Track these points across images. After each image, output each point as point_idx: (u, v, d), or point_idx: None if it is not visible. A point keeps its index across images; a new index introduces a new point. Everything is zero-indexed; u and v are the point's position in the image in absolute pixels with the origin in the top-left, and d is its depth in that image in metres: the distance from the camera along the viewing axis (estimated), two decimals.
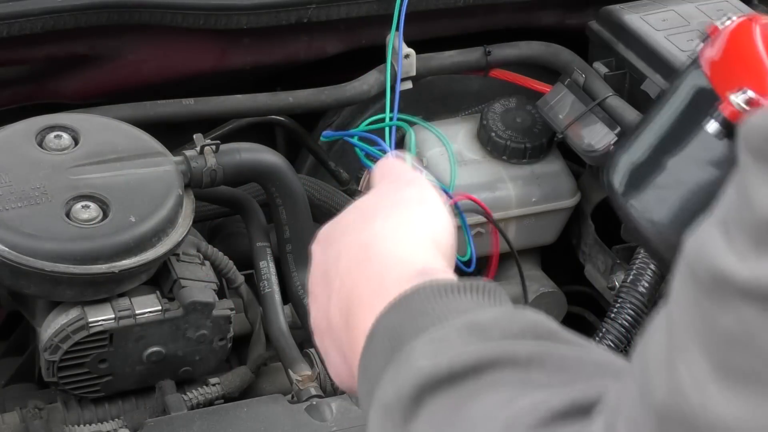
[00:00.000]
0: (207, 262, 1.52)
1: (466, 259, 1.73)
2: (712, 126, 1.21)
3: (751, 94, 1.18)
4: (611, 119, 1.75)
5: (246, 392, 1.52)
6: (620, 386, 0.64)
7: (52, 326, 1.42)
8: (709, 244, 0.58)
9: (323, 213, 1.71)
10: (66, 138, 1.51)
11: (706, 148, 1.22)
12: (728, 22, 1.31)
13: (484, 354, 0.72)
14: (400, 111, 1.90)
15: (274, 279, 1.60)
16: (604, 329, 1.70)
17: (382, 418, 0.75)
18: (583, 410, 0.66)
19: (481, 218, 1.79)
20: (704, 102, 1.25)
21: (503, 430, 0.67)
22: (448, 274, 0.84)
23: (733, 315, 0.56)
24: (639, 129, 1.34)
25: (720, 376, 0.56)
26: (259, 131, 1.87)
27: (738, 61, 1.24)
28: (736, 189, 0.58)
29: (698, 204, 1.11)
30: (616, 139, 1.73)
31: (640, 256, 1.69)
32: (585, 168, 1.87)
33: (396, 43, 1.81)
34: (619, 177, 1.32)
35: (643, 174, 1.32)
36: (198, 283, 1.47)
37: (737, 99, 1.19)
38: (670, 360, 0.59)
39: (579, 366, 0.71)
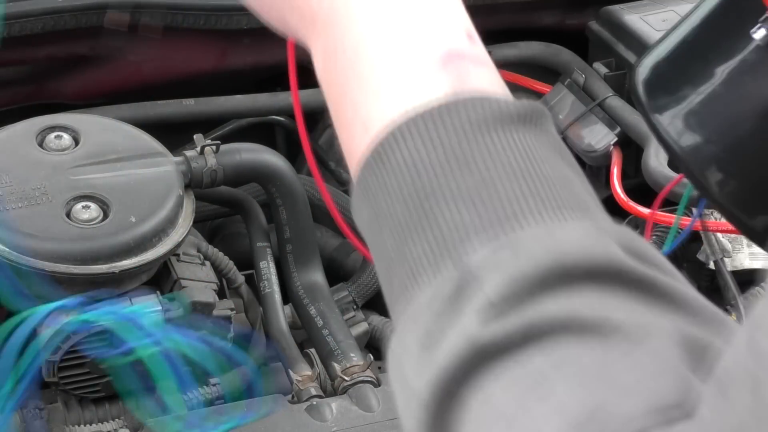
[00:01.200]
0: (207, 263, 1.52)
1: None
2: (760, 33, 1.09)
3: None
4: (611, 119, 1.75)
5: (246, 392, 1.52)
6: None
7: (53, 326, 1.42)
8: None
9: (323, 213, 1.71)
10: (66, 138, 1.51)
11: (752, 59, 1.13)
12: None
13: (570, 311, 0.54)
14: None
15: (274, 279, 1.60)
16: None
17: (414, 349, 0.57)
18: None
19: None
20: (750, 7, 1.13)
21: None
22: (484, 63, 0.65)
23: None
24: (669, 35, 1.23)
25: None
26: (259, 131, 1.88)
27: None
28: None
29: (738, 120, 1.03)
30: (616, 139, 1.73)
31: None
32: (585, 168, 1.87)
33: None
34: (645, 86, 1.23)
35: (672, 86, 1.24)
36: (198, 283, 1.47)
37: None
38: None
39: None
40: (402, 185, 0.59)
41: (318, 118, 1.95)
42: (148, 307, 1.40)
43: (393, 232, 0.59)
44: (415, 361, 0.56)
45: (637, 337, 0.54)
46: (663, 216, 1.58)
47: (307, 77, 2.14)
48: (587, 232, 0.57)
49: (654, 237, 1.62)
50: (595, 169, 1.82)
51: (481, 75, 0.64)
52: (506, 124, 0.60)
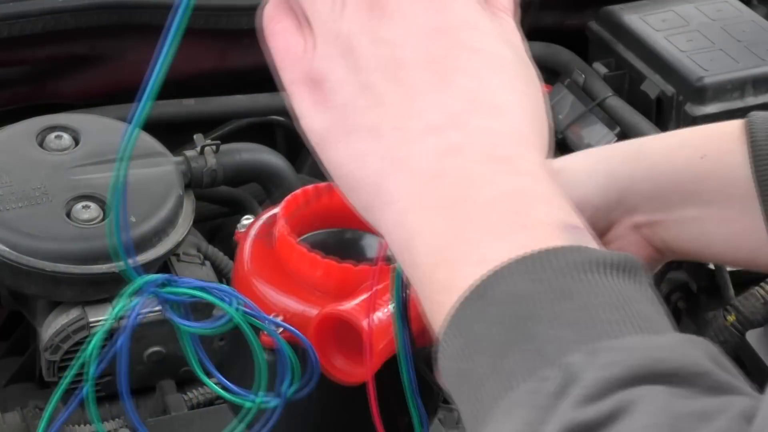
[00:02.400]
0: (207, 262, 1.53)
1: None
2: None
3: None
4: (611, 119, 1.75)
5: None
6: None
7: (53, 326, 1.42)
8: None
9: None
10: (66, 138, 1.51)
11: None
12: None
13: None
14: None
15: None
16: None
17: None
18: None
19: None
20: None
21: None
22: (566, 210, 0.67)
23: None
24: None
25: None
26: (259, 131, 1.88)
27: None
28: None
29: None
30: (616, 139, 1.73)
31: None
32: None
33: None
34: None
35: None
36: None
37: None
38: None
39: None
40: (502, 312, 0.62)
41: None
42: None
43: (486, 352, 0.62)
44: None
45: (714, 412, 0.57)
46: None
47: None
48: (680, 339, 0.61)
49: None
50: None
51: (590, 240, 0.67)
52: (605, 268, 0.63)
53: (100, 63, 1.77)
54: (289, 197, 1.07)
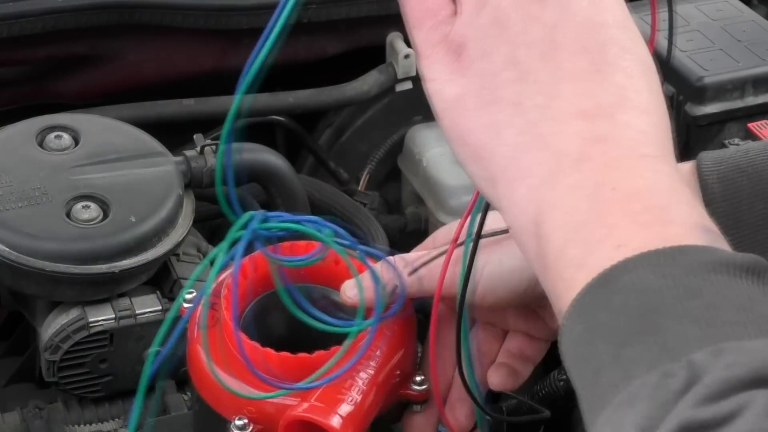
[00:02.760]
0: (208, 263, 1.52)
1: None
2: None
3: None
4: None
5: None
6: None
7: (53, 326, 1.42)
8: None
9: (323, 213, 1.71)
10: (66, 138, 1.51)
11: None
12: None
13: None
14: (400, 111, 1.90)
15: None
16: None
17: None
18: None
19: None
20: None
21: None
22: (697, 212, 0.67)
23: None
24: None
25: None
26: (259, 131, 1.88)
27: None
28: None
29: None
30: None
31: None
32: None
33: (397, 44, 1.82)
34: None
35: None
36: (198, 283, 1.46)
37: None
38: None
39: None
40: (627, 302, 0.63)
41: (318, 118, 1.95)
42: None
43: (608, 340, 0.63)
44: None
45: None
46: None
47: (312, 75, 2.14)
48: None
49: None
50: None
51: (724, 244, 0.67)
52: (734, 270, 0.63)
53: (100, 63, 1.77)
54: (225, 282, 1.08)
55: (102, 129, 1.55)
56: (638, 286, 0.63)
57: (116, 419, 1.46)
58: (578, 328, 0.64)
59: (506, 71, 0.70)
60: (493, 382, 1.06)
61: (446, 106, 0.72)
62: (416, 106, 1.92)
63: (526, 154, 0.68)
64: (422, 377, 1.07)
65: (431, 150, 1.84)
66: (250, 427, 1.01)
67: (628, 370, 0.61)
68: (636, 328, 0.62)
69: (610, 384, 0.62)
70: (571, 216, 0.66)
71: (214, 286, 1.07)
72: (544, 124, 0.68)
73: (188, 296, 1.12)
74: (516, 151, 0.69)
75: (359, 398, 0.99)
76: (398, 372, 1.05)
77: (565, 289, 0.65)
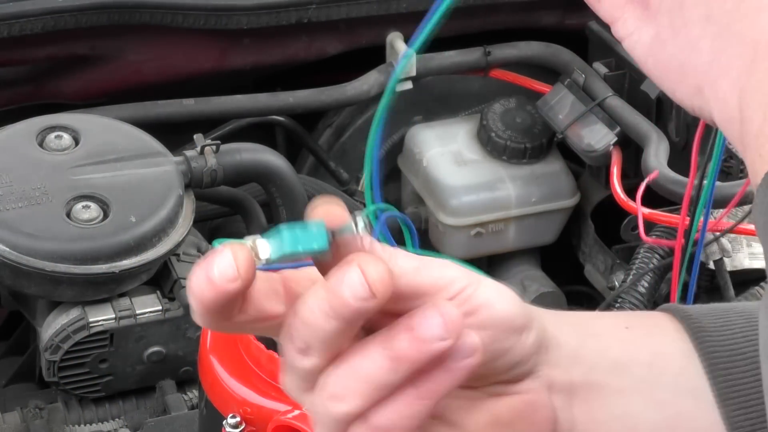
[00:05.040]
0: None
1: None
2: None
3: None
4: (611, 119, 1.75)
5: None
6: None
7: (53, 326, 1.42)
8: None
9: None
10: (66, 138, 1.51)
11: None
12: None
13: None
14: (399, 112, 1.90)
15: None
16: None
17: None
18: None
19: (482, 218, 1.79)
20: None
21: None
22: None
23: None
24: None
25: None
26: (259, 131, 1.88)
27: None
28: None
29: None
30: (616, 139, 1.73)
31: (639, 256, 1.69)
32: (585, 168, 1.87)
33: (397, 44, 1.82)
34: None
35: None
36: None
37: None
38: None
39: None
40: None
41: (318, 118, 1.95)
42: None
43: None
44: None
45: None
46: (662, 216, 1.58)
47: (312, 75, 2.13)
48: None
49: (653, 236, 1.62)
50: (595, 169, 1.82)
51: None
52: None
53: (100, 63, 1.77)
54: None
55: (102, 129, 1.55)
56: None
57: (116, 419, 1.46)
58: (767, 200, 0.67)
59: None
60: None
61: (646, 49, 0.77)
62: (416, 106, 1.92)
63: (724, 53, 0.73)
64: None
65: (431, 150, 1.84)
66: (242, 426, 1.01)
67: None
68: None
69: None
70: None
71: None
72: (736, 24, 0.73)
73: None
74: (715, 54, 0.73)
75: None
76: None
77: (761, 164, 0.68)
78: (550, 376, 0.76)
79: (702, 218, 1.50)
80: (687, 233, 1.50)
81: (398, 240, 0.89)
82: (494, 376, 0.75)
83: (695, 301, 1.67)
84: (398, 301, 0.70)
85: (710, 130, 1.49)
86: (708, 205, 1.46)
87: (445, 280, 0.73)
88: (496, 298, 0.75)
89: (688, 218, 1.53)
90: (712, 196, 1.37)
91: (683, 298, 1.67)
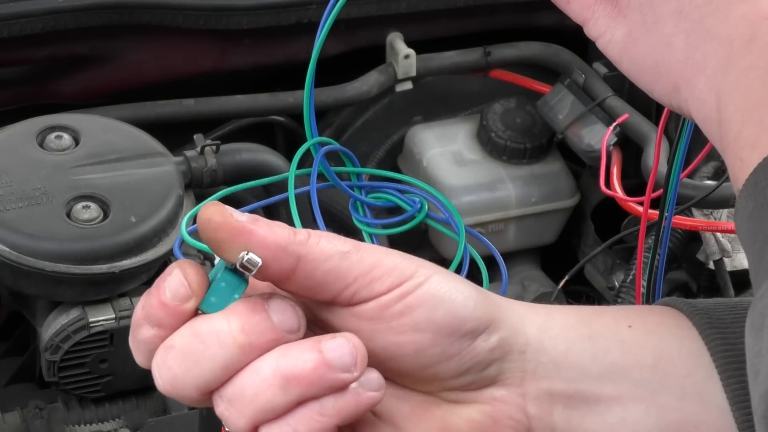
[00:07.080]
0: (207, 263, 1.53)
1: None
2: None
3: None
4: (611, 119, 1.76)
5: None
6: None
7: (53, 326, 1.42)
8: None
9: (323, 213, 1.71)
10: (66, 138, 1.51)
11: None
12: None
13: None
14: (400, 111, 1.90)
15: None
16: None
17: None
18: None
19: (482, 218, 1.79)
20: None
21: None
22: None
23: None
24: None
25: None
26: (259, 131, 1.88)
27: None
28: None
29: None
30: (616, 139, 1.73)
31: None
32: (585, 168, 1.87)
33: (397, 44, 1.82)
34: None
35: None
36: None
37: None
38: None
39: None
40: None
41: (318, 118, 1.95)
42: None
43: None
44: None
45: None
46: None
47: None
48: None
49: (653, 237, 1.62)
50: (595, 169, 1.82)
51: None
52: None
53: (100, 63, 1.77)
54: None
55: (102, 129, 1.55)
56: None
57: (116, 419, 1.46)
58: (749, 205, 0.65)
59: None
60: None
61: (620, 48, 0.75)
62: (416, 106, 1.92)
63: (698, 49, 0.71)
64: None
65: (431, 150, 1.84)
66: None
67: None
68: None
69: None
70: (748, 97, 0.68)
71: None
72: (708, 19, 0.71)
73: None
74: (688, 51, 0.71)
75: None
76: None
77: (741, 169, 0.66)
78: (524, 384, 0.71)
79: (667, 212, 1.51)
80: (653, 226, 1.51)
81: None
82: (441, 381, 0.70)
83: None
84: (321, 289, 0.68)
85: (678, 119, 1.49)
86: (674, 194, 1.46)
87: (381, 270, 0.68)
88: (445, 298, 0.69)
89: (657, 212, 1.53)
90: (677, 186, 1.36)
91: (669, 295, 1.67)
